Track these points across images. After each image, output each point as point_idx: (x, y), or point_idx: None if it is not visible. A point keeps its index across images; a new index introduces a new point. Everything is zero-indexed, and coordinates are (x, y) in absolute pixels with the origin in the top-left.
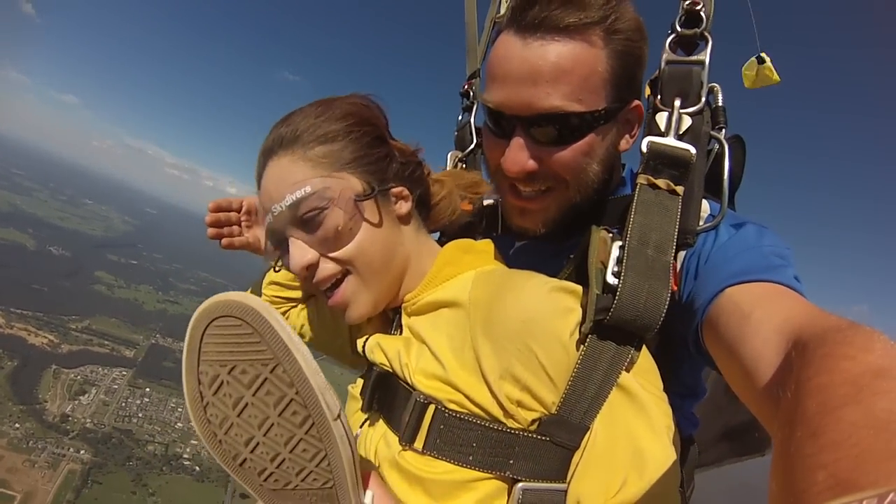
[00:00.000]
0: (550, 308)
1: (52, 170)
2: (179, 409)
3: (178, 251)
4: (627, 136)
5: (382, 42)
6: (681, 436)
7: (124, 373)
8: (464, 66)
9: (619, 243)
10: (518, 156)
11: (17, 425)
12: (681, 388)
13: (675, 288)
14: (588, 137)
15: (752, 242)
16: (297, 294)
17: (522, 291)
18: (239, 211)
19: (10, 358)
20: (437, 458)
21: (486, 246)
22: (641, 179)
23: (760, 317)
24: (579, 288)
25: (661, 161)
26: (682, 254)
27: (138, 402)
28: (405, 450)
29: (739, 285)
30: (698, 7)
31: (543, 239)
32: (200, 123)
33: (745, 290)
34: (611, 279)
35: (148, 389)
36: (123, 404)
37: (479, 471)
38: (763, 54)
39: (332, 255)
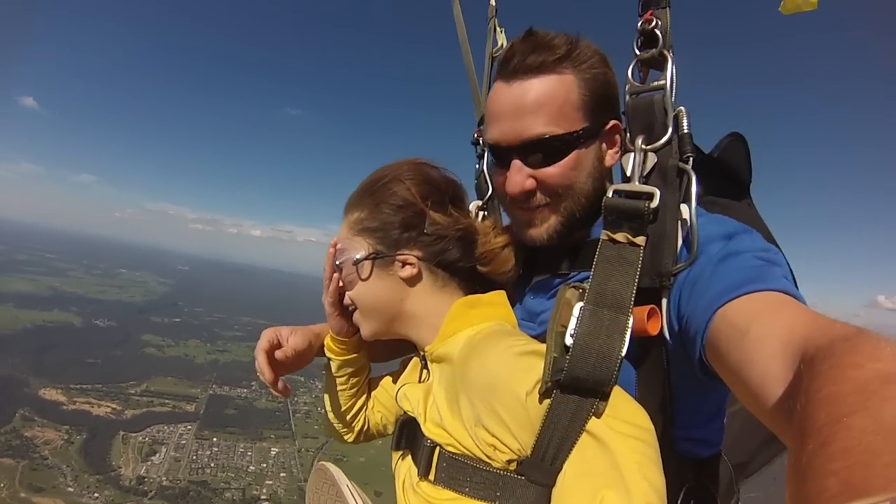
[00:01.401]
0: (511, 371)
1: (83, 247)
2: (249, 454)
3: (218, 301)
4: (611, 151)
5: (383, 67)
6: (697, 458)
7: (189, 427)
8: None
9: (580, 304)
10: (516, 178)
11: (96, 495)
12: (690, 416)
13: (655, 332)
14: (573, 154)
15: (731, 253)
16: (359, 375)
17: (489, 357)
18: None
19: (78, 432)
20: (444, 487)
21: (494, 298)
22: (603, 235)
23: (759, 334)
24: (543, 348)
25: (617, 215)
26: (665, 294)
27: (208, 452)
28: (422, 480)
29: (729, 303)
30: (652, 25)
31: (555, 274)
32: (214, 174)
33: (736, 306)
34: (568, 340)
35: (215, 439)
36: (194, 457)
37: (475, 500)
38: None
39: (347, 294)
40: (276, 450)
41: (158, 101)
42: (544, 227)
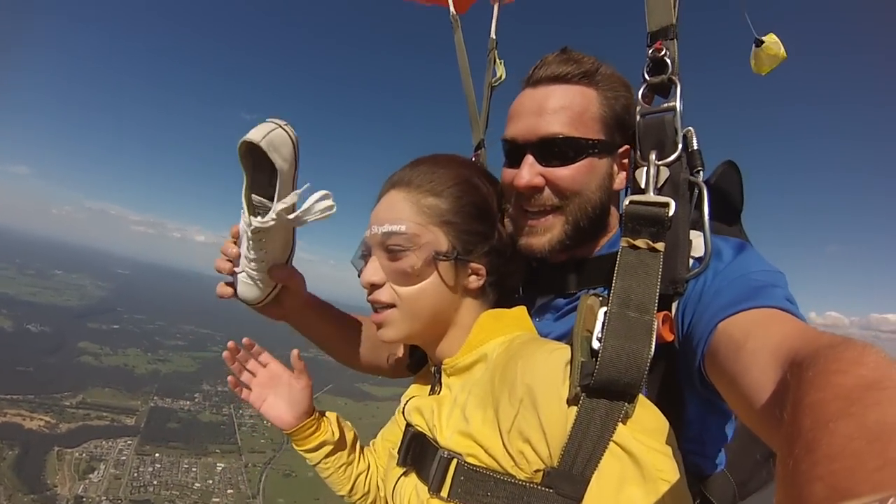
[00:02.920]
0: (556, 373)
1: (15, 245)
2: (194, 470)
3: (159, 308)
4: (621, 175)
5: (346, 75)
6: (702, 474)
7: (129, 442)
8: (448, 125)
9: (605, 309)
10: (527, 172)
11: None
12: (696, 430)
13: (671, 338)
14: (585, 161)
15: (738, 272)
16: (346, 453)
17: (533, 357)
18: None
19: (10, 447)
20: (459, 503)
21: (518, 312)
22: (623, 242)
23: (754, 346)
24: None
25: (638, 222)
26: (676, 302)
27: (150, 469)
28: (433, 497)
29: (730, 318)
30: (662, 53)
31: (559, 293)
32: (160, 175)
33: (737, 321)
34: (595, 344)
35: (157, 454)
36: (136, 474)
37: None
38: (761, 38)
39: (395, 286)
40: (222, 465)
41: (104, 93)
42: (546, 237)
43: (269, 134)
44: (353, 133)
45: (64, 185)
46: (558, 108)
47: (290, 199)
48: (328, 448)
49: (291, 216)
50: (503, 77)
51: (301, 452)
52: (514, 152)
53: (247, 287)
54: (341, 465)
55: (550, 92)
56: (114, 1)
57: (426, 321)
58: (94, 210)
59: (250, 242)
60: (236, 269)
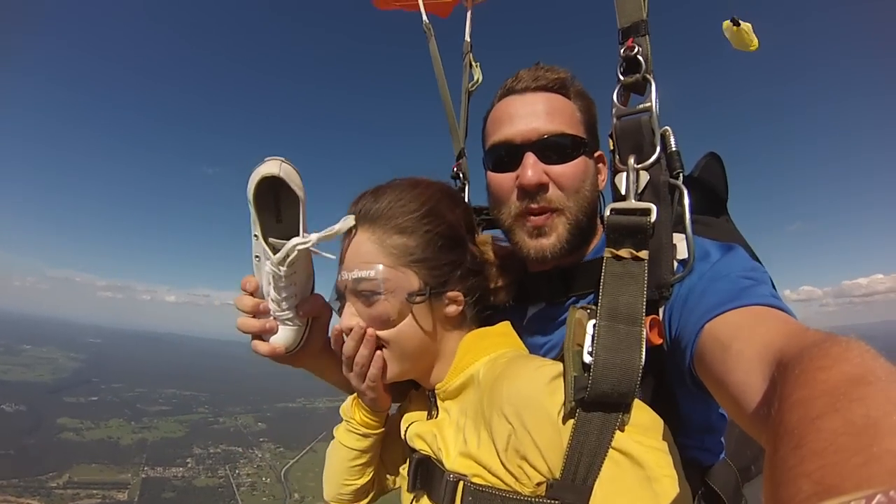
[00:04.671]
0: (543, 392)
1: None
2: None
3: (137, 374)
4: (600, 177)
5: (309, 119)
6: (702, 466)
7: None
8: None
9: (594, 321)
10: (533, 168)
11: None
12: (692, 425)
13: (659, 342)
14: (581, 159)
15: (722, 273)
16: (379, 445)
17: (517, 377)
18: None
19: None
20: None
21: (502, 328)
22: (606, 253)
23: (740, 347)
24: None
25: (620, 232)
26: (663, 306)
27: None
28: None
29: (716, 318)
30: (634, 51)
31: (550, 302)
32: (123, 236)
33: (722, 321)
34: (587, 358)
35: None
36: None
37: None
38: (739, 19)
39: (376, 331)
40: None
41: (57, 151)
42: (554, 236)
43: (282, 167)
44: (326, 172)
45: (23, 253)
46: (551, 109)
47: (335, 228)
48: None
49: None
50: (480, 80)
51: (370, 435)
52: (512, 154)
53: (284, 332)
54: (375, 460)
55: (539, 98)
56: (65, 54)
57: (414, 358)
58: (57, 278)
59: (282, 282)
60: (266, 322)
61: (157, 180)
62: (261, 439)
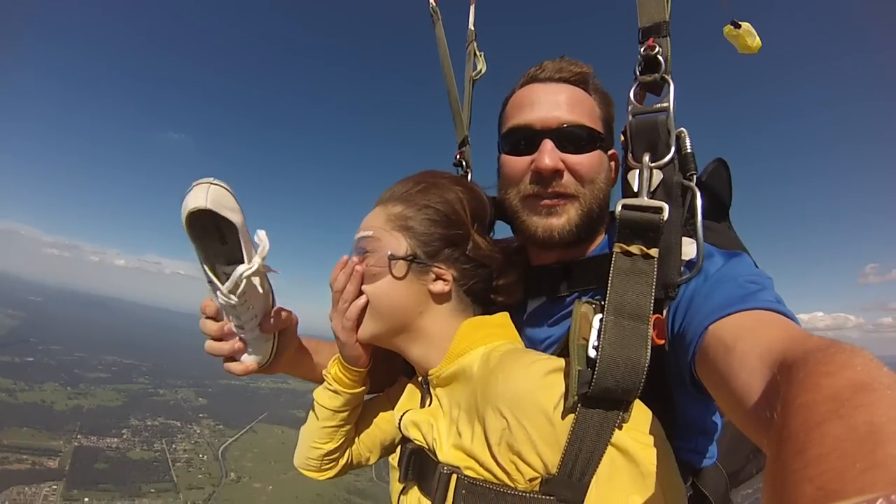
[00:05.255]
0: (537, 386)
1: None
2: None
3: (77, 338)
4: (612, 175)
5: (280, 91)
6: (694, 468)
7: (54, 486)
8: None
9: (600, 316)
10: (550, 155)
11: None
12: (687, 426)
13: (662, 342)
14: (597, 152)
15: (728, 276)
16: (358, 409)
17: (512, 371)
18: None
19: None
20: None
21: (500, 319)
22: (616, 248)
23: (743, 349)
24: (564, 363)
25: (632, 228)
26: (667, 306)
27: None
28: None
29: (720, 320)
30: (655, 51)
31: (551, 297)
32: (77, 195)
33: (726, 323)
34: (591, 353)
35: (87, 499)
36: None
37: None
38: (738, 21)
39: (362, 284)
40: None
41: (12, 98)
42: (565, 217)
43: (209, 194)
44: (310, 148)
45: None
46: (573, 101)
47: (264, 243)
48: (362, 399)
49: (263, 261)
50: (484, 70)
51: (341, 392)
52: (530, 139)
53: (254, 348)
54: (350, 422)
55: (561, 88)
56: (27, 3)
57: (391, 321)
58: (1, 231)
59: (237, 311)
60: (234, 343)
61: (118, 141)
62: (200, 415)
